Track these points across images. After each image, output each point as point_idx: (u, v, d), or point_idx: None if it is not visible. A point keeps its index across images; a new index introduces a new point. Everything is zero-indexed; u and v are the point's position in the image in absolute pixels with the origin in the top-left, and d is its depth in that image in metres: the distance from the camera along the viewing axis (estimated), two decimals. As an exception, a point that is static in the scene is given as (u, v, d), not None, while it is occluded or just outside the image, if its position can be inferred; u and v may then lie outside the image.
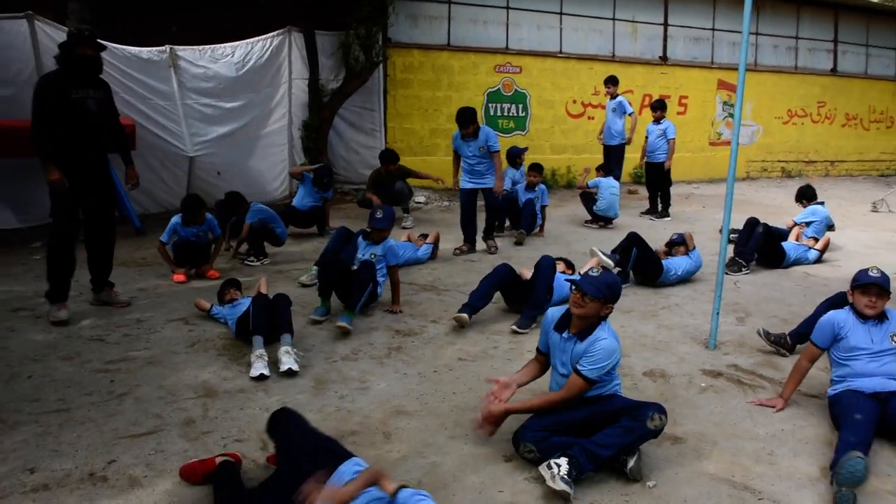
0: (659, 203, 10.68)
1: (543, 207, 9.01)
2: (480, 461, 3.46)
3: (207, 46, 9.38)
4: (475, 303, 5.46)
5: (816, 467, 3.49)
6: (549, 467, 3.09)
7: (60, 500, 3.08)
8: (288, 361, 4.45)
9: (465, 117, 7.54)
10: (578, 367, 3.40)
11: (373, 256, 5.68)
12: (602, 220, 9.67)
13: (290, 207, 8.49)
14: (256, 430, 3.70)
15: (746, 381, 4.51)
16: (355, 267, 5.59)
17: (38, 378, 4.35)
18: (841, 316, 4.04)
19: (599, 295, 3.39)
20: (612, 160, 10.73)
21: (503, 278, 5.64)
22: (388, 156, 9.34)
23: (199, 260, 6.81)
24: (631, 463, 3.25)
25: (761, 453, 3.62)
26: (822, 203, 8.40)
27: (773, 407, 4.07)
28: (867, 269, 4.06)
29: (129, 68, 8.72)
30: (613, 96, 10.78)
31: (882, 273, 4.00)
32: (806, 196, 8.51)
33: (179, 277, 6.60)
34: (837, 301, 4.80)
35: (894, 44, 17.49)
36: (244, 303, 5.23)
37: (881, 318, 3.99)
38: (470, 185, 7.78)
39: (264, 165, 10.31)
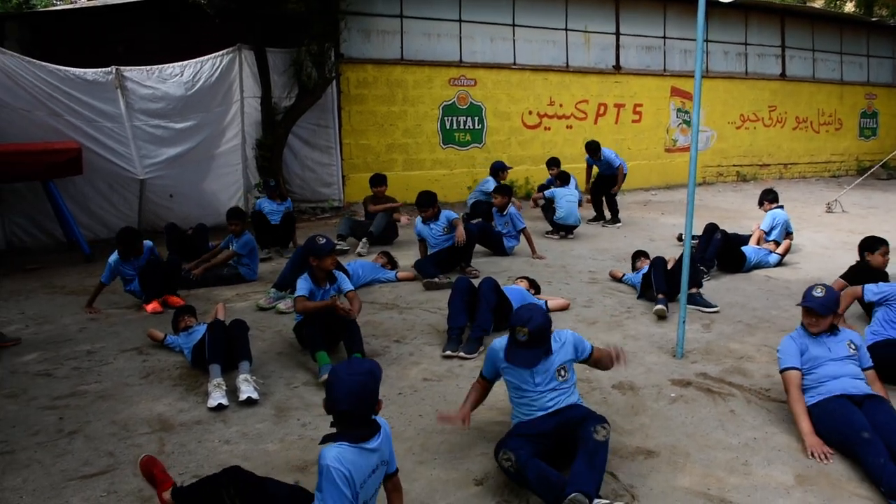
0: (605, 210, 10.74)
1: (523, 230, 8.42)
2: (450, 486, 3.34)
3: (155, 66, 9.14)
4: (457, 324, 5.29)
5: (791, 475, 3.45)
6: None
7: (3, 553, 2.89)
8: (247, 390, 4.28)
9: (425, 200, 7.51)
10: (587, 351, 3.66)
11: (332, 300, 5.12)
12: (563, 230, 9.63)
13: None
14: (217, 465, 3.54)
15: (716, 390, 4.47)
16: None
17: (-22, 419, 4.12)
18: (796, 337, 4.09)
19: (538, 360, 3.49)
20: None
21: (466, 292, 5.52)
22: (376, 179, 9.15)
23: (166, 287, 6.43)
24: None
25: (735, 463, 3.56)
26: (781, 207, 8.51)
27: (824, 457, 3.62)
28: (812, 288, 4.10)
29: (74, 90, 8.45)
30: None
31: (825, 291, 4.02)
32: (768, 199, 8.60)
33: (154, 307, 6.20)
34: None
35: (838, 48, 17.95)
36: (199, 330, 5.04)
37: (832, 330, 4.05)
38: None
39: (218, 186, 10.07)
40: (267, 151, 10.45)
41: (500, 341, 3.61)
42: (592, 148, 10.64)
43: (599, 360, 3.74)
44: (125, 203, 9.13)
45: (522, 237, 8.47)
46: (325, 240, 5.07)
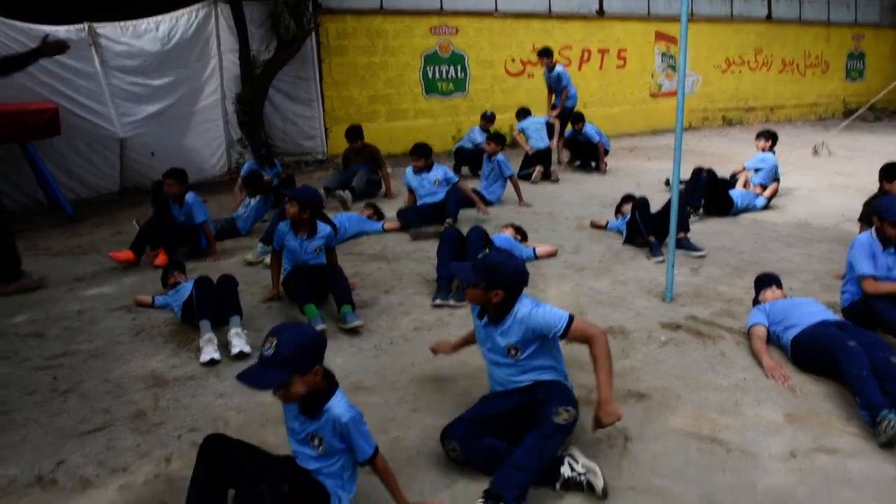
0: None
1: (510, 178, 8.38)
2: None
3: (129, 22, 8.90)
4: (446, 273, 5.28)
5: (781, 414, 3.52)
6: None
7: (6, 510, 2.92)
8: (239, 344, 4.30)
9: (420, 149, 7.51)
10: (559, 327, 3.05)
11: (317, 251, 5.13)
12: (537, 157, 9.96)
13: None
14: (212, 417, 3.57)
15: (705, 332, 4.52)
16: (313, 262, 5.10)
17: (-29, 382, 4.11)
18: (764, 307, 4.44)
19: (474, 280, 3.12)
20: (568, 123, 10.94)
21: (455, 240, 5.52)
22: (350, 132, 9.01)
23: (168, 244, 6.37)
24: (598, 486, 2.89)
25: (726, 404, 3.63)
26: (773, 151, 8.51)
27: (784, 378, 3.87)
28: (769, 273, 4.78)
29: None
30: (551, 68, 10.98)
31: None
32: (764, 137, 8.56)
33: (127, 255, 6.15)
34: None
35: (824, -13, 17.76)
36: (187, 286, 5.01)
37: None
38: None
39: (199, 142, 9.93)
40: (247, 106, 10.28)
41: None
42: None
43: (584, 341, 3.13)
44: (106, 162, 8.98)
45: (508, 185, 8.45)
46: (314, 195, 5.12)
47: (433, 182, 7.42)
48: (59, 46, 5.70)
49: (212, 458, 2.63)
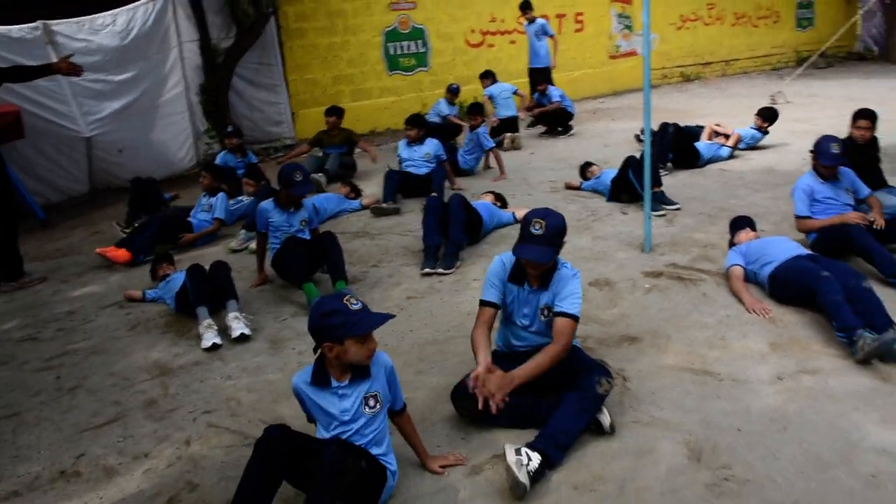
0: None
1: (492, 150, 8.41)
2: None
3: (85, 17, 8.76)
4: (433, 242, 5.42)
5: (765, 344, 3.74)
6: (519, 454, 2.77)
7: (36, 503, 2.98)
8: (239, 327, 4.37)
9: (415, 119, 7.74)
10: (563, 309, 3.09)
11: (303, 224, 5.29)
12: (505, 125, 10.09)
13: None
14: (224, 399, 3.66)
15: (686, 277, 4.72)
16: (301, 237, 5.18)
17: (-27, 389, 4.13)
18: (740, 248, 4.69)
19: (551, 255, 3.10)
20: (541, 82, 11.06)
21: (437, 210, 5.62)
22: (331, 109, 9.05)
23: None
24: (606, 423, 3.05)
25: (713, 339, 3.83)
26: (768, 131, 8.64)
27: (765, 311, 4.09)
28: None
29: (0, 51, 8.08)
30: (531, 20, 11.23)
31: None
32: (765, 115, 8.68)
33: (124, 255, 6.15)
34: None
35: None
36: (178, 277, 5.08)
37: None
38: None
39: (167, 136, 9.83)
40: (211, 95, 10.19)
41: (499, 257, 3.33)
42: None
43: (558, 337, 3.11)
44: (73, 164, 8.86)
45: (485, 157, 8.61)
46: (301, 178, 5.13)
47: (423, 155, 7.54)
48: (77, 69, 5.91)
49: (272, 449, 2.50)
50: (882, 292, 3.90)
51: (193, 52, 10.05)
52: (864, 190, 5.00)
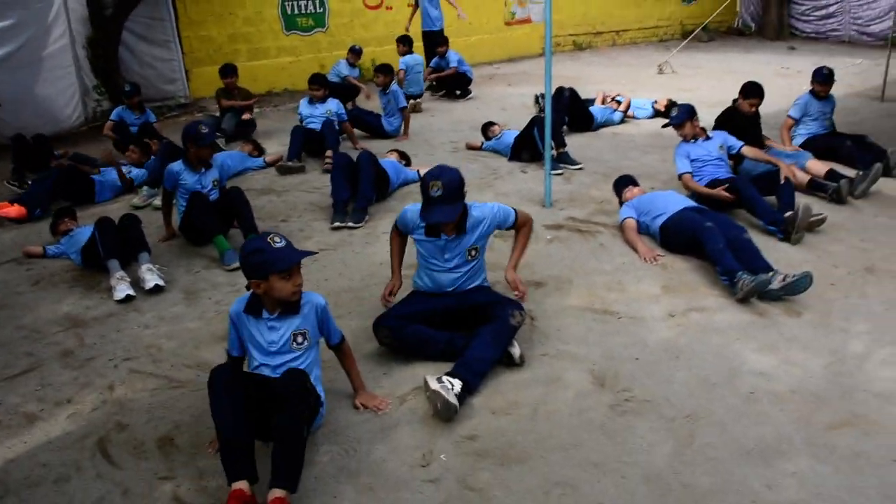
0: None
1: (402, 109, 8.41)
2: (370, 332, 3.65)
3: (-43, -40, 8.19)
4: (342, 197, 5.54)
5: (658, 287, 4.15)
6: (441, 381, 3.00)
7: (-45, 448, 2.96)
8: (152, 278, 4.37)
9: (317, 78, 7.73)
10: (509, 222, 3.59)
11: (215, 183, 5.22)
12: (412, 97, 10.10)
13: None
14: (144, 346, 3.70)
15: (584, 229, 5.08)
16: (213, 197, 5.14)
17: None
18: (632, 203, 5.05)
19: (457, 210, 3.32)
20: (434, 46, 11.14)
21: (346, 167, 5.73)
22: (223, 69, 8.78)
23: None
24: (516, 354, 3.33)
25: (611, 283, 4.20)
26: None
27: (655, 259, 4.50)
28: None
29: None
30: None
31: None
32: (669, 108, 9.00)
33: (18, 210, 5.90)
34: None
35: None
36: (83, 231, 4.98)
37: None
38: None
39: (52, 91, 9.33)
40: (99, 49, 9.74)
41: (410, 207, 3.54)
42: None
43: (522, 226, 3.71)
44: (-50, 117, 8.34)
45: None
46: (207, 129, 5.08)
47: (325, 113, 7.54)
48: None
49: (235, 377, 2.65)
50: (759, 241, 4.37)
51: (79, 2, 9.55)
52: (737, 143, 5.55)
